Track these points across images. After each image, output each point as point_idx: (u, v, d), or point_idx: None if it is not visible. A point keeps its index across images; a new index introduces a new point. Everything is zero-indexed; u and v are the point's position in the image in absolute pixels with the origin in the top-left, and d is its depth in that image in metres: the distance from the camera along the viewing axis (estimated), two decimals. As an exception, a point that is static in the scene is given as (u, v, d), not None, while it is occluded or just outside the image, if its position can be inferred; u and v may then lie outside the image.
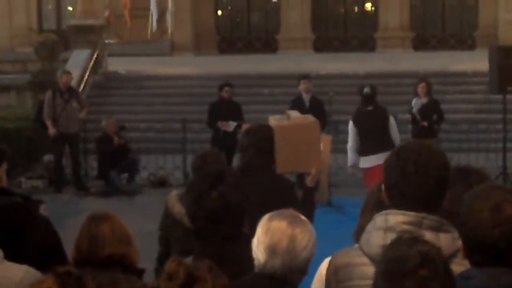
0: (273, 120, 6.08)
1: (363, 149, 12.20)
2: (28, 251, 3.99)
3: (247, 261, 3.70)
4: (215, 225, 4.05)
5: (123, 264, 4.09)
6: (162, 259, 5.93)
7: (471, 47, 30.08)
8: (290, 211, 3.59)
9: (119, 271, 4.04)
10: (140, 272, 4.23)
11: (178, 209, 5.09)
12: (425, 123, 14.93)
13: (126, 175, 16.27)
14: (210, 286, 2.93)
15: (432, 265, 2.58)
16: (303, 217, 3.58)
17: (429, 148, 3.38)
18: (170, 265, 3.01)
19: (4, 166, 4.53)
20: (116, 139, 16.11)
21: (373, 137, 11.99)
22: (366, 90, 12.51)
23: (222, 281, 2.99)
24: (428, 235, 3.22)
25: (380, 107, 12.60)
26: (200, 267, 2.99)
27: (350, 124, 12.51)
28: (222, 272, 3.03)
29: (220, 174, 4.19)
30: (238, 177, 4.29)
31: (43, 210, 9.46)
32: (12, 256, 3.58)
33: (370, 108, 12.42)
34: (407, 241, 2.65)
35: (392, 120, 12.44)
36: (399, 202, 3.34)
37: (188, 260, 3.16)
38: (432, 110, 15.10)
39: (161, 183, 16.21)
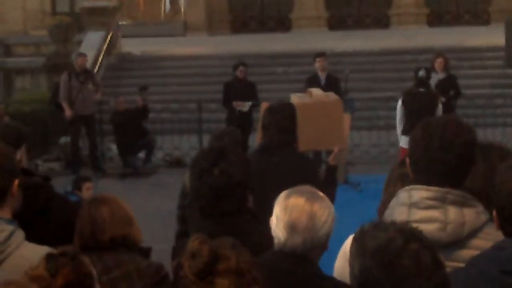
0: (295, 98, 6.07)
1: (407, 129, 12.14)
2: (49, 232, 4.00)
3: (251, 237, 3.69)
4: (217, 201, 4.05)
5: (127, 244, 4.09)
6: (180, 237, 5.95)
7: (486, 22, 29.89)
8: (307, 187, 3.57)
9: (123, 251, 4.05)
10: (146, 251, 4.23)
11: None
12: (442, 99, 14.85)
13: (142, 155, 16.32)
14: (233, 263, 2.93)
15: (415, 237, 2.55)
16: (320, 193, 3.56)
17: (456, 124, 3.34)
18: (193, 244, 3.00)
19: (24, 147, 4.54)
20: (139, 100, 16.25)
21: (418, 119, 11.94)
22: (421, 73, 12.65)
23: (246, 257, 2.98)
24: (452, 210, 3.21)
25: (432, 92, 12.73)
26: (224, 245, 2.99)
27: (399, 105, 12.57)
28: (246, 250, 3.03)
29: (222, 151, 4.18)
30: (241, 154, 4.29)
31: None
32: (34, 237, 3.59)
33: (421, 90, 12.50)
34: (374, 229, 2.63)
35: (440, 107, 12.46)
36: (422, 176, 3.31)
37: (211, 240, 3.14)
38: (449, 86, 15.03)
39: (177, 163, 16.25)
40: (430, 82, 15.10)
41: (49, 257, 2.93)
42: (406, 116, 12.31)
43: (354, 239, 2.67)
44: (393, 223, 2.63)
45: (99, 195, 4.25)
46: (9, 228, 3.47)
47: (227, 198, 4.04)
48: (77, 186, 9.80)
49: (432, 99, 12.44)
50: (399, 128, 12.61)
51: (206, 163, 4.10)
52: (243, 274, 2.95)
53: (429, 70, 12.95)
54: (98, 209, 4.09)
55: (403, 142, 12.28)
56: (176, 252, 5.24)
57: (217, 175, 4.04)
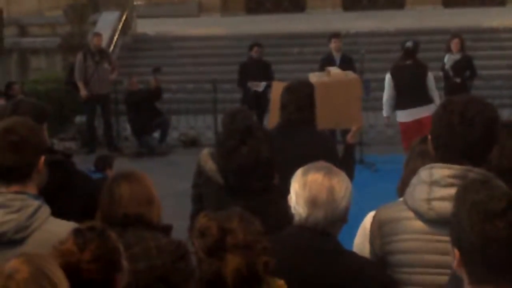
0: (314, 77, 6.08)
1: (399, 103, 12.06)
2: (72, 208, 4.04)
3: (279, 214, 3.72)
4: (246, 179, 4.08)
5: (140, 223, 4.09)
6: (195, 216, 5.95)
7: (502, 3, 29.70)
8: (322, 163, 3.58)
9: (143, 229, 4.07)
10: (167, 228, 4.25)
11: (211, 166, 5.12)
12: (458, 80, 14.79)
13: (157, 135, 16.35)
14: (241, 237, 2.99)
15: None
16: (336, 168, 3.58)
17: (477, 101, 3.34)
18: (201, 221, 3.05)
19: (45, 125, 4.57)
20: (153, 81, 16.27)
21: (409, 91, 11.83)
22: (408, 44, 12.30)
23: (254, 229, 3.04)
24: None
25: (419, 62, 12.36)
26: (231, 218, 3.03)
27: (387, 77, 12.31)
28: (253, 219, 3.07)
29: (249, 129, 4.21)
30: (266, 131, 4.31)
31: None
32: (57, 213, 3.63)
33: (409, 62, 12.20)
34: (481, 185, 2.59)
35: (430, 76, 12.15)
36: (443, 153, 3.32)
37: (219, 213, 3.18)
38: (465, 66, 14.96)
39: (193, 143, 16.28)
40: (446, 63, 15.07)
41: (77, 232, 2.98)
42: (397, 90, 12.09)
43: (457, 190, 2.63)
44: (501, 186, 2.60)
45: (127, 171, 4.23)
46: (35, 203, 3.52)
47: (255, 176, 4.07)
48: (108, 164, 9.91)
49: (420, 70, 12.14)
50: (387, 102, 12.33)
51: (234, 141, 4.12)
52: (252, 246, 3.00)
53: (417, 43, 12.63)
54: (119, 185, 4.09)
55: (400, 117, 12.17)
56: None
57: (246, 153, 4.07)
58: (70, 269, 2.95)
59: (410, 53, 12.25)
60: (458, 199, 2.55)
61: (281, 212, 3.75)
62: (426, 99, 11.79)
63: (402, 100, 11.98)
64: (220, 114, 15.50)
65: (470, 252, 2.47)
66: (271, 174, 4.19)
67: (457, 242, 2.53)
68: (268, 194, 4.13)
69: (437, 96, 11.99)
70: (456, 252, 2.53)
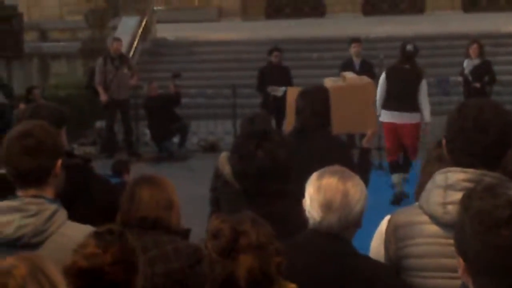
0: (329, 82, 6.11)
1: (386, 104, 11.92)
2: (90, 213, 4.06)
3: (295, 218, 3.73)
4: (263, 183, 4.08)
5: (157, 227, 4.11)
6: (212, 219, 5.97)
7: (522, 7, 29.61)
8: (337, 167, 3.59)
9: (162, 232, 4.09)
10: (185, 233, 4.27)
11: (228, 170, 5.14)
12: (477, 85, 14.74)
13: (177, 140, 16.40)
14: (254, 238, 3.00)
15: None
16: (350, 172, 3.59)
17: (492, 106, 3.33)
18: (214, 223, 3.07)
19: (65, 129, 4.60)
20: (172, 87, 16.35)
21: (399, 95, 11.70)
22: (409, 47, 12.03)
23: (266, 231, 3.06)
24: (489, 192, 3.20)
25: (417, 67, 12.12)
26: (243, 221, 3.05)
27: (382, 77, 12.10)
28: (265, 222, 3.09)
29: (265, 132, 4.22)
30: (283, 135, 4.32)
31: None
32: (74, 217, 3.65)
33: (407, 66, 11.96)
34: (485, 192, 2.57)
35: (424, 84, 11.90)
36: (457, 157, 3.32)
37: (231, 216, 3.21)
38: (484, 72, 14.91)
39: (212, 148, 16.31)
40: (465, 68, 15.03)
41: (97, 235, 3.01)
42: (388, 91, 11.87)
43: (462, 197, 2.57)
44: (506, 193, 2.52)
45: (150, 175, 4.27)
46: (52, 207, 3.54)
47: (272, 180, 4.08)
48: (125, 169, 9.97)
49: (415, 77, 11.85)
50: (378, 103, 11.90)
51: (251, 145, 4.13)
52: (265, 247, 3.02)
53: (417, 47, 12.35)
54: (140, 189, 4.12)
55: (383, 116, 11.96)
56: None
57: (262, 156, 4.08)
58: (95, 272, 2.99)
59: (409, 57, 12.07)
60: (462, 207, 2.53)
61: (298, 216, 3.77)
62: (412, 107, 11.66)
63: (389, 102, 11.85)
64: (239, 119, 15.53)
65: (474, 260, 2.44)
66: (288, 177, 4.20)
67: (461, 250, 2.50)
68: (285, 198, 4.14)
69: (426, 106, 11.78)
70: (461, 260, 2.51)
